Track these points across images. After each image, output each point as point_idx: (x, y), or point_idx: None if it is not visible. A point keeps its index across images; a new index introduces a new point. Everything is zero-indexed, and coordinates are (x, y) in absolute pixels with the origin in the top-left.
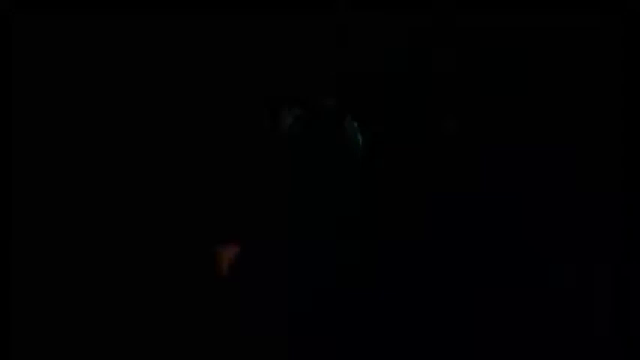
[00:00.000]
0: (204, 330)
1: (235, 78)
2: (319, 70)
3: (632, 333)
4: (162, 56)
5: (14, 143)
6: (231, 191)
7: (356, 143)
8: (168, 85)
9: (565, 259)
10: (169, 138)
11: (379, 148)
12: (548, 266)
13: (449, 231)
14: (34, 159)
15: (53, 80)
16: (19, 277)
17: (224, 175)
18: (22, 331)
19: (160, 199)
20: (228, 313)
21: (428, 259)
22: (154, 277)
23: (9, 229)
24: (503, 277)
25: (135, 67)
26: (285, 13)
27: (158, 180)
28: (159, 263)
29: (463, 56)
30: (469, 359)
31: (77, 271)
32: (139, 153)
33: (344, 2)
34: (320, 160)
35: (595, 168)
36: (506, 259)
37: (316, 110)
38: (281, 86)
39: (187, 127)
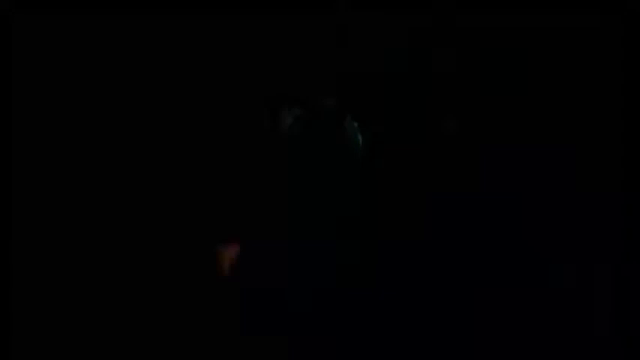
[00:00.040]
0: (205, 330)
1: (235, 78)
2: (319, 70)
3: (632, 333)
4: (162, 56)
5: (14, 143)
6: (232, 191)
7: (356, 143)
8: (168, 85)
9: (565, 259)
10: (170, 138)
11: (379, 148)
12: (548, 266)
13: (449, 231)
14: (34, 159)
15: (53, 80)
16: (19, 277)
17: (224, 175)
18: (22, 331)
19: (161, 199)
20: (228, 313)
21: (428, 259)
22: (155, 276)
23: (9, 229)
24: (503, 277)
25: (135, 67)
26: (285, 13)
27: (158, 180)
28: (159, 263)
29: (463, 56)
30: (469, 359)
31: (77, 271)
32: (139, 153)
33: (344, 2)
34: (320, 160)
35: (595, 168)
36: (506, 259)
37: (316, 110)
38: (281, 86)
39: (187, 127)
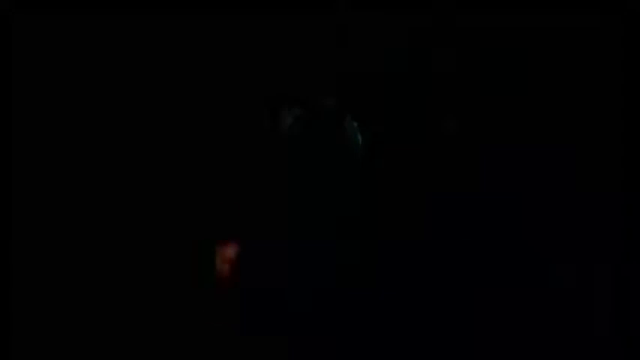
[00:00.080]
0: (205, 330)
1: (235, 78)
2: (319, 70)
3: (632, 333)
4: (162, 56)
5: (14, 143)
6: (231, 191)
7: (356, 143)
8: (168, 85)
9: (565, 259)
10: (169, 138)
11: (379, 148)
12: (548, 266)
13: (449, 231)
14: (34, 159)
15: (53, 80)
16: (19, 275)
17: (224, 175)
18: (22, 331)
19: (160, 199)
20: (227, 313)
21: (428, 259)
22: (155, 276)
23: (9, 229)
24: (503, 277)
25: (135, 67)
26: (285, 13)
27: (158, 180)
28: (159, 263)
29: (463, 56)
30: (469, 359)
31: (76, 270)
32: (139, 153)
33: (344, 2)
34: (320, 160)
35: (595, 168)
36: (506, 259)
37: (316, 110)
38: (281, 86)
39: (187, 127)
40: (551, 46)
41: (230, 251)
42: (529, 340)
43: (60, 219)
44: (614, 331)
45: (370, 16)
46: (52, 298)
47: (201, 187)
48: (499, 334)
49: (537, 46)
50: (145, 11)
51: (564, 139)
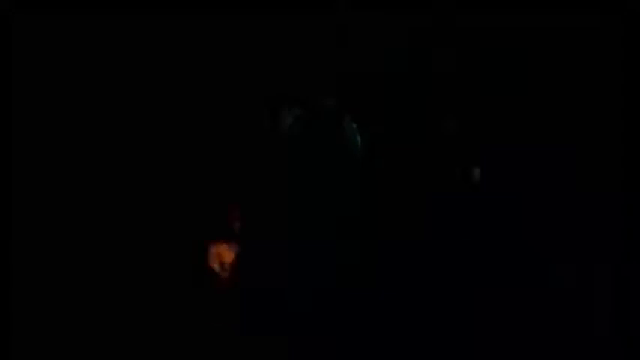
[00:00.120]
0: (205, 330)
1: (235, 78)
2: (319, 70)
3: (632, 333)
4: (162, 56)
5: (14, 143)
6: (231, 191)
7: (355, 143)
8: (168, 85)
9: (565, 259)
10: (169, 138)
11: (379, 148)
12: (548, 266)
13: (449, 231)
14: (34, 159)
15: (53, 80)
16: (18, 274)
17: (224, 175)
18: (22, 331)
19: (160, 199)
20: (227, 313)
21: (428, 259)
22: (155, 276)
23: (9, 229)
24: (503, 277)
25: (135, 67)
26: (285, 13)
27: (158, 180)
28: (158, 263)
29: (463, 56)
30: (469, 359)
31: (75, 270)
32: (138, 153)
33: (344, 2)
34: (320, 160)
35: (595, 168)
36: (506, 259)
37: (316, 110)
38: (281, 86)
39: (187, 126)
40: (551, 46)
41: (222, 250)
42: (529, 340)
43: (60, 217)
44: (614, 331)
45: (370, 16)
46: (52, 298)
47: (201, 187)
48: (499, 334)
49: (537, 46)
50: (145, 11)
51: (564, 139)
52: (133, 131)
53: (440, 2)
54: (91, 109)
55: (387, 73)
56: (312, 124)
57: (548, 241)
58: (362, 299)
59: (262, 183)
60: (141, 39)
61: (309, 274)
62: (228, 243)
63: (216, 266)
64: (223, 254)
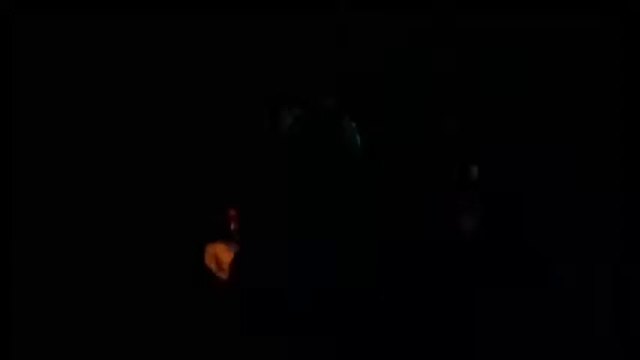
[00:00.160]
0: (204, 330)
1: (235, 78)
2: (319, 70)
3: (632, 333)
4: (162, 56)
5: (14, 143)
6: (231, 191)
7: (354, 143)
8: (168, 85)
9: (565, 259)
10: (169, 138)
11: (379, 148)
12: (548, 266)
13: (449, 231)
14: (34, 159)
15: (53, 80)
16: (18, 274)
17: (224, 174)
18: (22, 331)
19: (160, 199)
20: (227, 313)
21: (428, 259)
22: (155, 276)
23: (9, 228)
24: (503, 277)
25: (135, 67)
26: (285, 13)
27: (158, 180)
28: (158, 263)
29: (463, 56)
30: (469, 359)
31: (73, 269)
32: (138, 153)
33: (344, 2)
34: (320, 160)
35: (595, 168)
36: (506, 259)
37: (316, 110)
38: (281, 86)
39: (187, 126)
40: (551, 46)
41: (219, 250)
42: (529, 340)
43: (60, 217)
44: (614, 331)
45: (370, 16)
46: (51, 297)
47: (201, 187)
48: (499, 334)
49: (537, 46)
50: (145, 11)
51: (564, 139)
52: (132, 131)
53: (440, 2)
54: (91, 109)
55: (387, 73)
56: (312, 124)
57: (548, 241)
58: (362, 299)
59: (262, 183)
60: (141, 39)
61: (309, 274)
62: (226, 243)
63: (213, 266)
64: (220, 254)
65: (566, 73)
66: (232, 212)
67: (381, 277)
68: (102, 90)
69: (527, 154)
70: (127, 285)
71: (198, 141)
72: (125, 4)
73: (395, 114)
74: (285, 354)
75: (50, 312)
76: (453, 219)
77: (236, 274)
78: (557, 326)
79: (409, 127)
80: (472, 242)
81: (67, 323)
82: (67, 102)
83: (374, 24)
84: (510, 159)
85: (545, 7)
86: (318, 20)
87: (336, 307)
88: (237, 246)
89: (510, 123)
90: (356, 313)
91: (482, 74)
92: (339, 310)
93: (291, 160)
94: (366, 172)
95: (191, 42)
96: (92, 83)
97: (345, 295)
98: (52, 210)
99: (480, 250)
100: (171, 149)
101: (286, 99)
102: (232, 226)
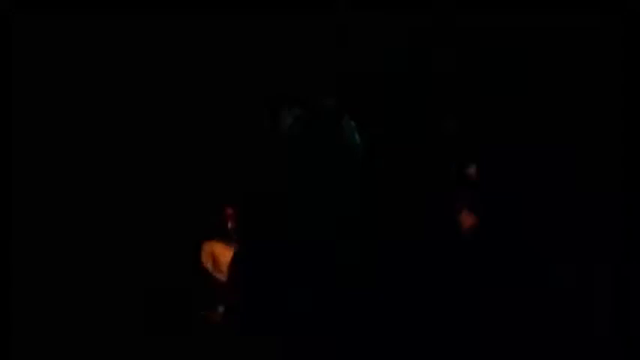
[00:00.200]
0: (205, 330)
1: (235, 78)
2: (319, 70)
3: (632, 333)
4: (162, 56)
5: (14, 143)
6: (231, 190)
7: (353, 143)
8: (168, 85)
9: (565, 259)
10: (169, 138)
11: (379, 148)
12: (548, 266)
13: (449, 231)
14: (34, 159)
15: (53, 80)
16: (18, 273)
17: (224, 174)
18: (22, 331)
19: (160, 199)
20: (226, 313)
21: (428, 259)
22: (155, 276)
23: (9, 228)
24: (503, 277)
25: (135, 67)
26: (285, 13)
27: (158, 180)
28: (158, 262)
29: (463, 56)
30: (469, 359)
31: (71, 266)
32: (139, 152)
33: (344, 2)
34: (320, 160)
35: (595, 168)
36: (507, 259)
37: (316, 110)
38: (281, 86)
39: (187, 126)
40: (551, 46)
41: (217, 249)
42: (529, 339)
43: (60, 217)
44: (614, 331)
45: (370, 16)
46: (50, 296)
47: (201, 187)
48: (499, 333)
49: (537, 46)
50: (145, 11)
51: (564, 139)
52: (132, 131)
53: (440, 2)
54: (91, 109)
55: (387, 73)
56: (312, 124)
57: (548, 241)
58: (362, 299)
59: (262, 183)
60: (141, 39)
61: (309, 274)
62: (225, 243)
63: (209, 266)
64: (219, 254)
65: (566, 73)
66: (230, 211)
67: (381, 277)
68: (102, 90)
69: (527, 154)
70: (126, 283)
71: (198, 140)
72: (125, 4)
73: (395, 114)
74: (285, 354)
75: (49, 310)
76: (453, 219)
77: (236, 274)
78: (557, 326)
79: (409, 127)
80: (472, 242)
81: (66, 321)
82: (67, 101)
83: (374, 24)
84: (510, 159)
85: (545, 7)
86: (318, 20)
87: (336, 307)
88: (235, 245)
89: (510, 123)
90: (356, 313)
91: (482, 74)
92: (338, 310)
93: (291, 159)
94: (366, 172)
95: (191, 42)
96: (92, 83)
97: (345, 295)
98: (52, 208)
99: (480, 250)
100: (170, 148)
101: (286, 99)
102: (230, 225)
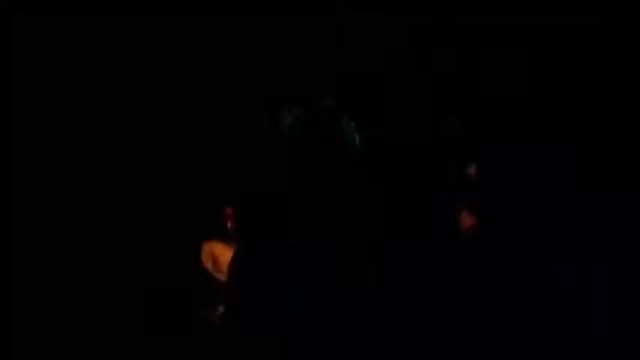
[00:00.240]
0: (204, 329)
1: (235, 78)
2: (319, 70)
3: (632, 333)
4: (162, 56)
5: (14, 143)
6: (231, 190)
7: (353, 143)
8: (168, 85)
9: (565, 259)
10: (169, 138)
11: (379, 148)
12: (548, 266)
13: (449, 231)
14: (34, 159)
15: (53, 80)
16: (18, 273)
17: (224, 174)
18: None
19: (160, 199)
20: (226, 313)
21: (428, 259)
22: (155, 276)
23: (9, 228)
24: (503, 277)
25: (135, 67)
26: (285, 13)
27: (158, 180)
28: (157, 262)
29: (463, 56)
30: (469, 359)
31: (71, 265)
32: (139, 152)
33: (344, 2)
34: (320, 160)
35: (595, 168)
36: (507, 259)
37: (316, 110)
38: (281, 86)
39: (187, 126)
40: (551, 46)
41: (217, 249)
42: (529, 339)
43: (60, 217)
44: (614, 331)
45: (370, 16)
46: (50, 295)
47: (201, 187)
48: (499, 333)
49: (537, 46)
50: (145, 11)
51: (564, 139)
52: (132, 131)
53: (440, 2)
54: (91, 109)
55: (387, 73)
56: (312, 124)
57: (548, 241)
58: (362, 299)
59: (262, 183)
60: (141, 39)
61: (310, 274)
62: (225, 243)
63: (209, 266)
64: (219, 254)
65: (566, 73)
66: (229, 211)
67: (381, 277)
68: (102, 90)
69: (527, 154)
70: (126, 283)
71: (198, 140)
72: (125, 4)
73: (395, 114)
74: (285, 354)
75: (49, 310)
76: (453, 219)
77: (236, 274)
78: (557, 326)
79: (409, 127)
80: (472, 242)
81: (66, 321)
82: (67, 101)
83: (374, 24)
84: (510, 159)
85: (545, 7)
86: (318, 20)
87: (336, 307)
88: (235, 245)
89: (510, 123)
90: (356, 313)
91: (482, 74)
92: (338, 310)
93: (291, 159)
94: (366, 172)
95: (191, 42)
96: (92, 83)
97: (345, 295)
98: (51, 208)
99: (480, 250)
100: (170, 148)
101: (286, 99)
102: (230, 225)
